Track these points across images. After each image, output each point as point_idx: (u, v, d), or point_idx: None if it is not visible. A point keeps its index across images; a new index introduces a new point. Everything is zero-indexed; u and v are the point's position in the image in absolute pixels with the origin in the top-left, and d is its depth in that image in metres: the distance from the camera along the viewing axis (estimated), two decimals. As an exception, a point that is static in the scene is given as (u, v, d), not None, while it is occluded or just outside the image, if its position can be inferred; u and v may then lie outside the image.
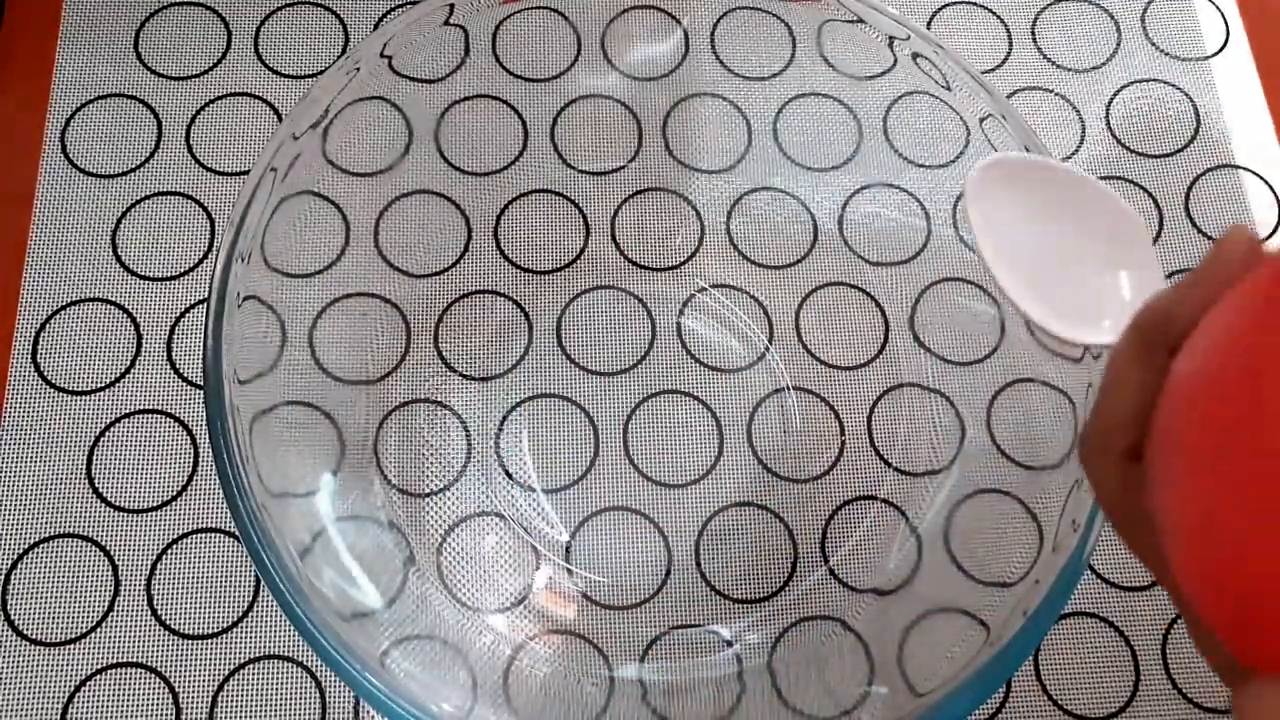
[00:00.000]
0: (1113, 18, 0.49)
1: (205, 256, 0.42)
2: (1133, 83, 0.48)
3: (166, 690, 0.37)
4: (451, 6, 0.38)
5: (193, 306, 0.42)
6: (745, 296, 0.43)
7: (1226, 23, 0.49)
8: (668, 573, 0.40)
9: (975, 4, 0.49)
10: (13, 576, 0.38)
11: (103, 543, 0.39)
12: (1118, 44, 0.49)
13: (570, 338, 0.42)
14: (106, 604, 0.38)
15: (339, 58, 0.46)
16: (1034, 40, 0.48)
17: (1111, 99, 0.48)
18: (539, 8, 0.42)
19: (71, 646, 0.37)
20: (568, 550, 0.40)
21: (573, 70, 0.43)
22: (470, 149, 0.42)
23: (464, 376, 0.41)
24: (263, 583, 0.38)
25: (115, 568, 0.38)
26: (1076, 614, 0.40)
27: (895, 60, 0.38)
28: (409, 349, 0.41)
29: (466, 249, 0.42)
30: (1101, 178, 0.46)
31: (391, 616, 0.35)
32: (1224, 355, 0.22)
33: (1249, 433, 0.21)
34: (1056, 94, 0.48)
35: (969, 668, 0.31)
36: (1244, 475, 0.21)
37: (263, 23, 0.46)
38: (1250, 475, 0.21)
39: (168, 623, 0.38)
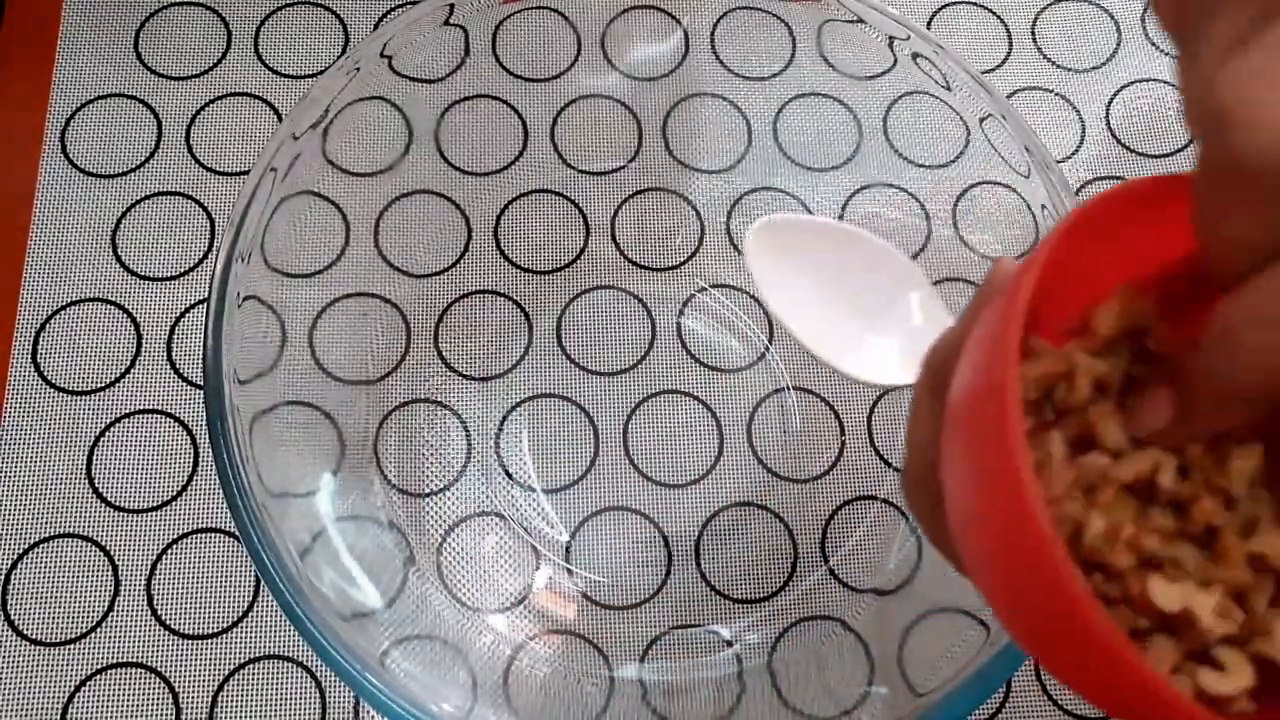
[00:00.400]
0: (1113, 18, 0.49)
1: (205, 256, 0.42)
2: (1133, 83, 0.48)
3: (166, 690, 0.37)
4: (451, 6, 0.37)
5: (193, 306, 0.42)
6: (745, 296, 0.43)
7: (1226, 23, 0.49)
8: (668, 573, 0.40)
9: (975, 4, 0.49)
10: (13, 576, 0.38)
11: (103, 543, 0.39)
12: (1118, 44, 0.49)
13: (570, 338, 0.42)
14: (106, 604, 0.38)
15: (339, 58, 0.45)
16: (1034, 40, 0.48)
17: (1111, 99, 0.48)
18: (539, 8, 0.42)
19: (71, 646, 0.37)
20: (568, 550, 0.40)
21: (573, 70, 0.43)
22: (470, 149, 0.42)
23: (464, 376, 0.41)
24: (262, 583, 0.38)
25: (115, 568, 0.38)
26: (1076, 614, 0.40)
27: (895, 60, 0.38)
28: (409, 349, 0.41)
29: (466, 249, 0.42)
30: (1101, 178, 0.46)
31: (391, 616, 0.35)
32: (958, 378, 0.23)
33: (967, 447, 0.22)
34: (1056, 94, 0.48)
35: (969, 668, 0.31)
36: (962, 499, 0.22)
37: (263, 23, 0.46)
38: (967, 499, 0.22)
39: (168, 623, 0.38)
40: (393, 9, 0.46)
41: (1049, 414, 0.25)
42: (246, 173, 0.43)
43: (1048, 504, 0.21)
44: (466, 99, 0.42)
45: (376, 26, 0.46)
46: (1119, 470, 0.23)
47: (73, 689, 0.37)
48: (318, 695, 0.37)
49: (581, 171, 0.43)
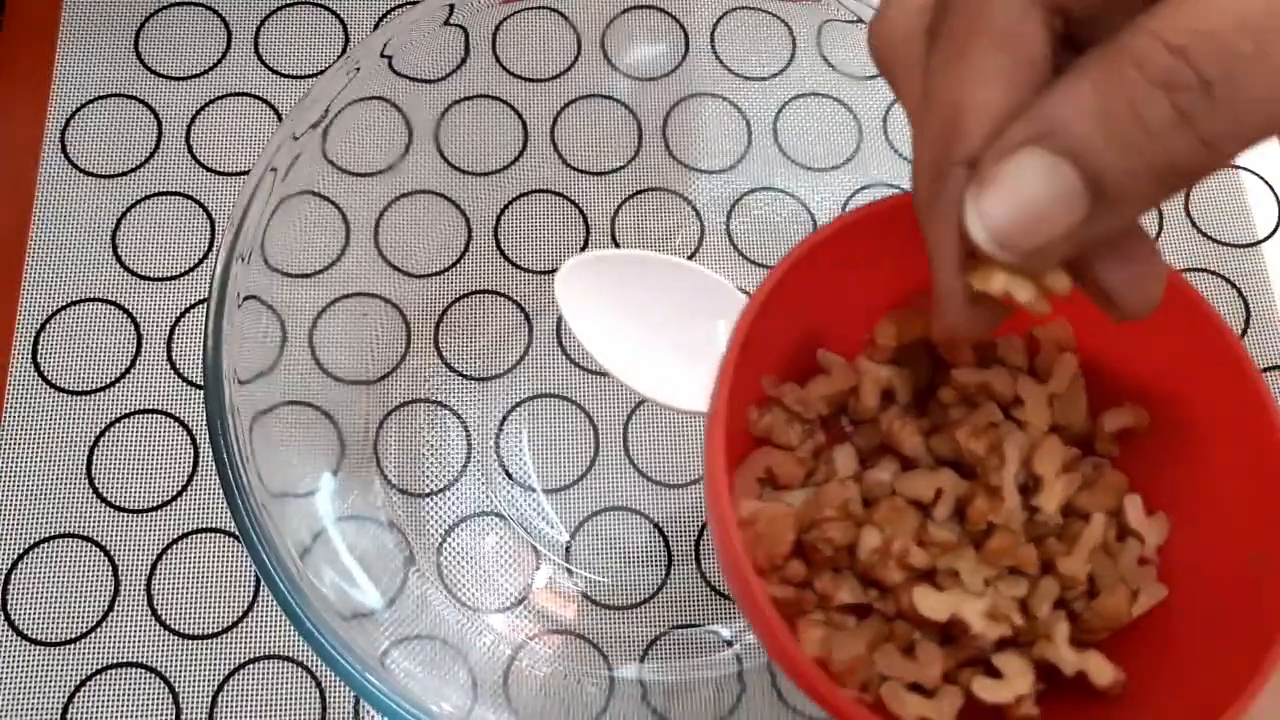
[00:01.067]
0: (1113, 18, 0.49)
1: (205, 256, 0.42)
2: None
3: (166, 690, 0.37)
4: (451, 6, 0.37)
5: (193, 306, 0.42)
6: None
7: (1226, 23, 0.49)
8: (668, 572, 0.40)
9: (975, 4, 0.49)
10: (13, 576, 0.38)
11: (103, 543, 0.39)
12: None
13: (570, 337, 0.42)
14: (106, 604, 0.38)
15: (339, 58, 0.45)
16: (1034, 40, 0.48)
17: (1111, 99, 0.47)
18: (539, 8, 0.42)
19: (71, 646, 0.37)
20: (567, 550, 0.40)
21: (573, 70, 0.43)
22: (470, 149, 0.42)
23: (464, 376, 0.41)
24: (262, 583, 0.38)
25: (115, 568, 0.38)
26: (1077, 614, 0.40)
27: (895, 60, 0.38)
28: (409, 349, 0.41)
29: (466, 249, 0.42)
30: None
31: (391, 616, 0.35)
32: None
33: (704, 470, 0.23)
34: (1056, 94, 0.47)
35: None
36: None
37: (263, 23, 0.46)
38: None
39: (168, 623, 0.38)
40: (393, 9, 0.46)
41: (846, 426, 0.26)
42: (247, 173, 0.43)
43: (814, 524, 0.23)
44: (466, 99, 0.42)
45: (376, 26, 0.46)
46: (902, 487, 0.23)
47: (73, 689, 0.37)
48: (318, 695, 0.37)
49: (581, 171, 0.43)
